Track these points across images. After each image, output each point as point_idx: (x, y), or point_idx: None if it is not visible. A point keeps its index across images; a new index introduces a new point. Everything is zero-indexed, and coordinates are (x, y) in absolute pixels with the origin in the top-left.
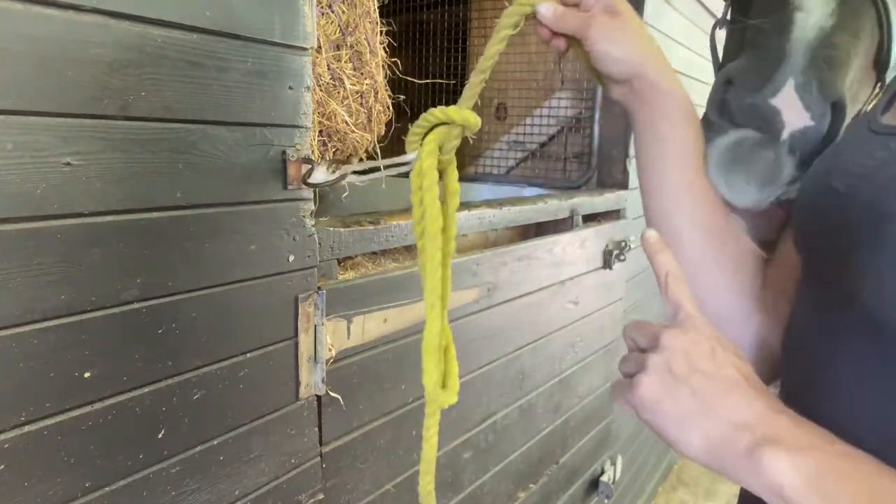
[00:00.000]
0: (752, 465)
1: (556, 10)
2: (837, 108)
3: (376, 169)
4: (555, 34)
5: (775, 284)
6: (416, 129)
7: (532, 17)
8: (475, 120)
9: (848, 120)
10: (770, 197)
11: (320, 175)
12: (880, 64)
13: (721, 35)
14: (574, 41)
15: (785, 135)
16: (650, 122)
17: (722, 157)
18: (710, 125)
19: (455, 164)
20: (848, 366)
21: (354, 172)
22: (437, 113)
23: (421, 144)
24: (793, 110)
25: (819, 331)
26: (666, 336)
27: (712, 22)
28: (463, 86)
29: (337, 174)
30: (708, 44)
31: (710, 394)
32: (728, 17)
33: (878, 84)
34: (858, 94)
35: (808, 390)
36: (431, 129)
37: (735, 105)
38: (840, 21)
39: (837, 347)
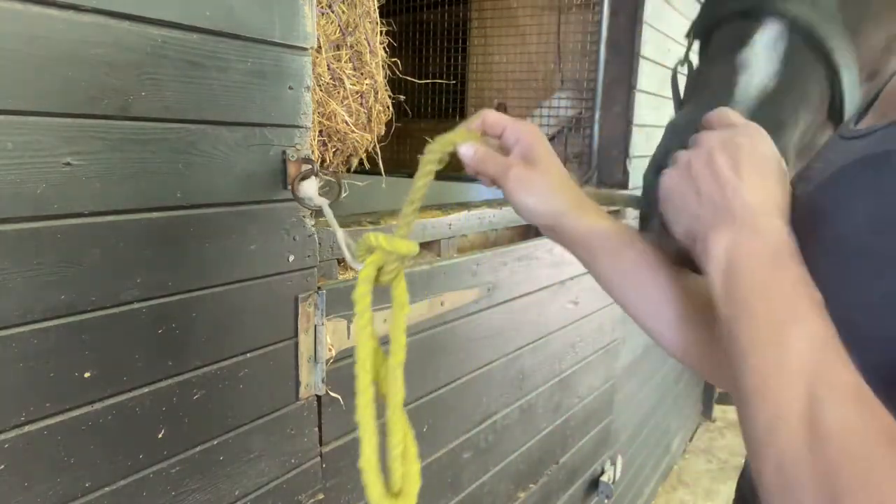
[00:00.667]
0: (704, 250)
1: (475, 153)
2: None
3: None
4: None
5: None
6: (359, 247)
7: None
8: (407, 249)
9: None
10: None
11: (310, 189)
12: (835, 118)
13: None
14: None
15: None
16: (590, 261)
17: None
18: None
19: (402, 280)
20: None
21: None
22: (371, 240)
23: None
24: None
25: None
26: (704, 134)
27: None
28: (463, 86)
29: (319, 201)
30: (671, 78)
31: (712, 197)
32: (685, 58)
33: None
34: (812, 142)
35: None
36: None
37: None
38: (784, 82)
39: None
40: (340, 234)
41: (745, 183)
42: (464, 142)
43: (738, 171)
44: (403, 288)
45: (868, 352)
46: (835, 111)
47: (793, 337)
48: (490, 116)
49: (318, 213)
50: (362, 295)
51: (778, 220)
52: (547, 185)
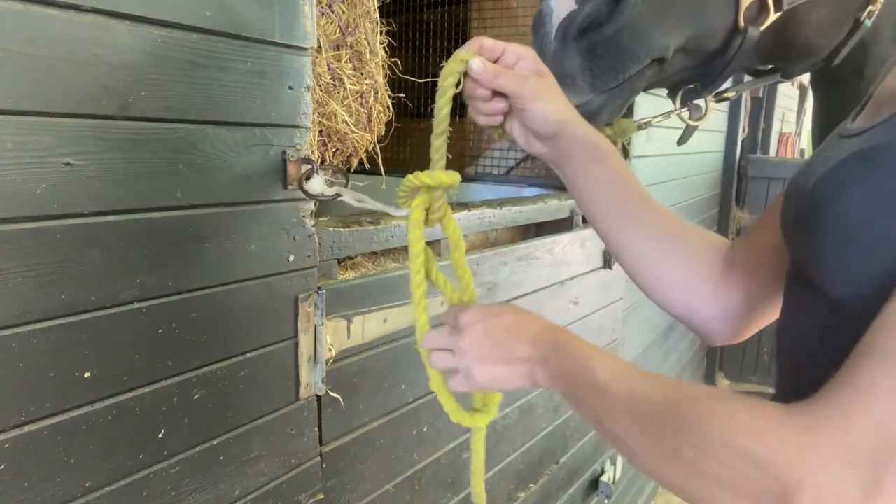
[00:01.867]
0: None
1: (487, 67)
2: None
3: (376, 174)
4: (492, 96)
5: (744, 265)
6: (401, 191)
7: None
8: (450, 180)
9: (668, 17)
10: (581, 88)
11: (317, 185)
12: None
13: None
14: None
15: (553, 29)
16: (581, 170)
17: None
18: None
19: (450, 215)
20: (824, 355)
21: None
22: (413, 180)
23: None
24: (562, 4)
25: (806, 323)
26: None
27: None
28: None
29: (332, 191)
30: None
31: (501, 352)
32: None
33: None
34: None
35: (799, 377)
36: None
37: (534, 16)
38: None
39: (815, 334)
40: (372, 202)
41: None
42: (472, 59)
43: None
44: (455, 225)
45: (858, 326)
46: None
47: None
48: (487, 41)
49: (318, 213)
50: (416, 240)
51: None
52: (558, 94)
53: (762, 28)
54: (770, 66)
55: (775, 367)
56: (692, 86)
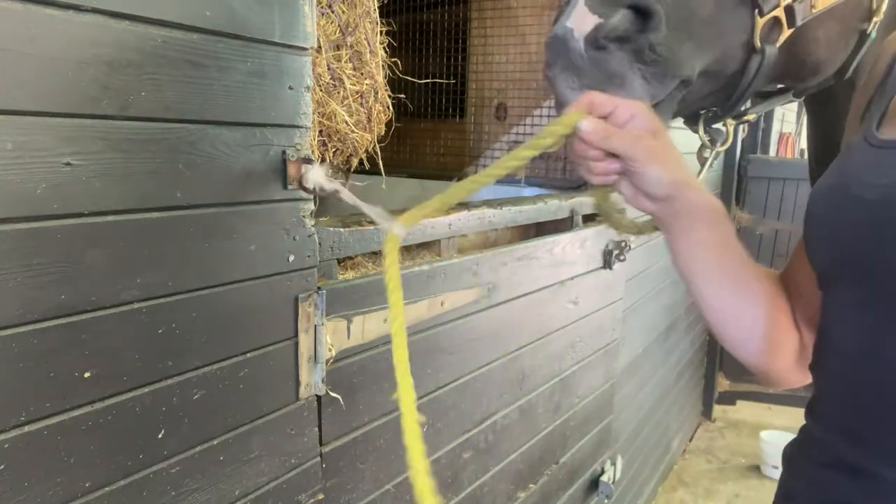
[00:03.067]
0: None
1: (598, 127)
2: (639, 8)
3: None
4: (604, 156)
5: (799, 313)
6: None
7: (571, 137)
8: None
9: (689, 30)
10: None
11: (317, 176)
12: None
13: None
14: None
15: (581, 44)
16: (688, 230)
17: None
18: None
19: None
20: None
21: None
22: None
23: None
24: (582, 20)
25: (869, 331)
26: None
27: None
28: (463, 86)
29: (332, 186)
30: None
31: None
32: None
33: (756, 11)
34: (704, 15)
35: (858, 387)
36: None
37: (546, 43)
38: None
39: (889, 342)
40: (366, 207)
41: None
42: (581, 121)
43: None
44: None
45: None
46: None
47: None
48: (598, 97)
49: (318, 213)
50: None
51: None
52: (674, 155)
53: (777, 46)
54: (780, 86)
55: (838, 397)
56: (711, 112)
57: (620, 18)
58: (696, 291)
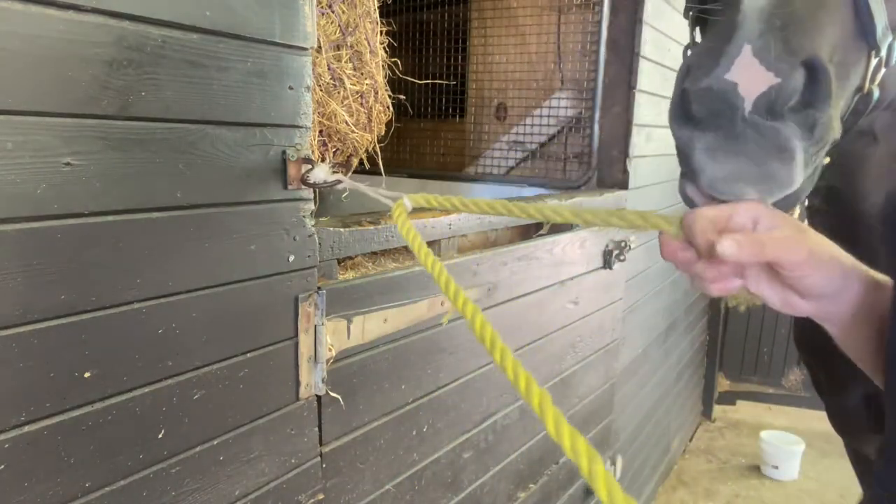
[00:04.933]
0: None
1: (744, 243)
2: (814, 67)
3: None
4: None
5: None
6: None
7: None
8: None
9: (839, 91)
10: (790, 178)
11: (320, 174)
12: (866, 32)
13: None
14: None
15: (748, 105)
16: (862, 322)
17: (708, 170)
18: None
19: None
20: None
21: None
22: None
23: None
24: (752, 76)
25: None
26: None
27: None
28: (463, 86)
29: (334, 177)
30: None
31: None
32: (686, 9)
33: (873, 53)
34: (846, 62)
35: None
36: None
37: (692, 93)
38: None
39: None
40: (370, 189)
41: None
42: (720, 243)
43: None
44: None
45: None
46: (862, 22)
47: None
48: (708, 211)
49: (318, 213)
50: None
51: None
52: (826, 243)
53: (875, 85)
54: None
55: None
56: None
57: (799, 79)
58: (870, 370)
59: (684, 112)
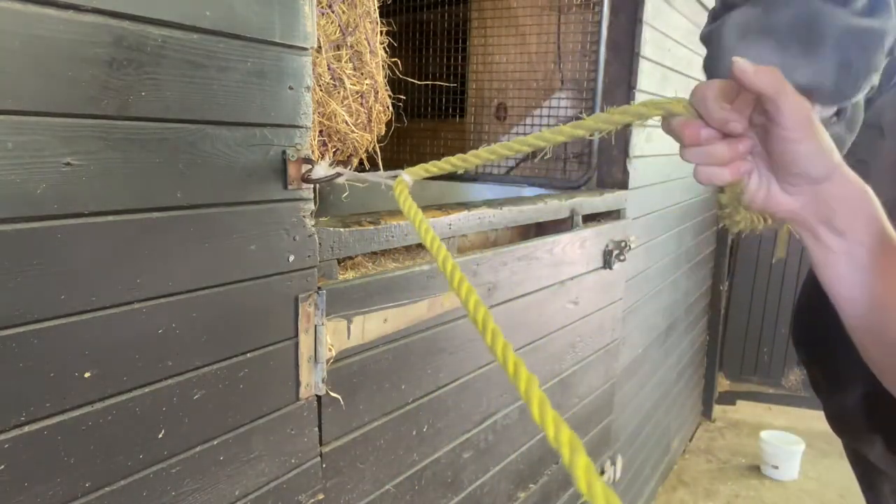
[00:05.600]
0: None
1: (762, 68)
2: None
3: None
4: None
5: None
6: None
7: (677, 120)
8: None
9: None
10: (832, 67)
11: (321, 171)
12: None
13: None
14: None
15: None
16: (846, 230)
17: (746, 33)
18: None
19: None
20: None
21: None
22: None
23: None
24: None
25: None
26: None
27: None
28: (463, 86)
29: (334, 170)
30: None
31: None
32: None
33: None
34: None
35: None
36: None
37: None
38: None
39: None
40: (370, 175)
41: None
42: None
43: None
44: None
45: None
46: None
47: None
48: (719, 81)
49: (318, 213)
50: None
51: None
52: (819, 127)
53: None
54: None
55: None
56: None
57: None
58: (861, 313)
59: (724, 3)
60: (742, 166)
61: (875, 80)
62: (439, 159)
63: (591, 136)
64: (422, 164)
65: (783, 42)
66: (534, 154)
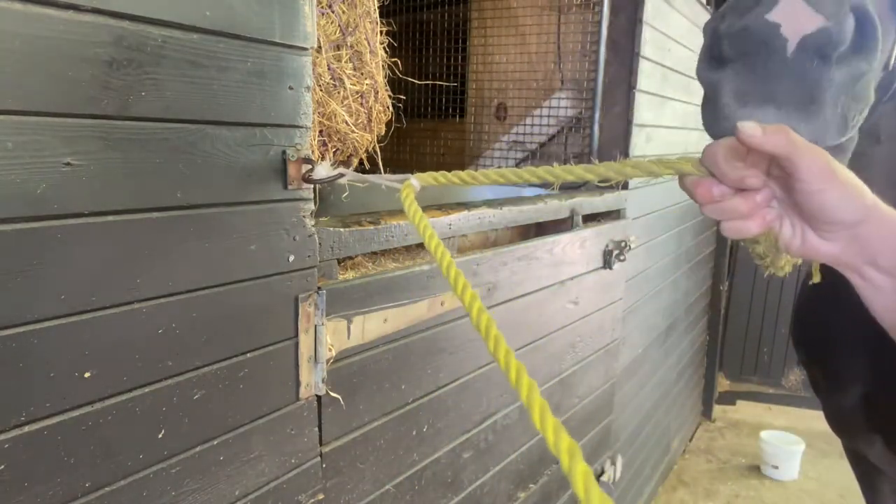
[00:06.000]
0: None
1: (771, 128)
2: (864, 15)
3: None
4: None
5: None
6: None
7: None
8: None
9: (883, 46)
10: (832, 126)
11: (322, 171)
12: None
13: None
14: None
15: (792, 46)
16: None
17: (735, 95)
18: (703, 74)
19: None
20: None
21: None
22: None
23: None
24: (798, 16)
25: None
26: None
27: None
28: (463, 86)
29: (336, 171)
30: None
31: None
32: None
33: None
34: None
35: None
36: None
37: (727, 34)
38: None
39: None
40: (374, 177)
41: None
42: (741, 129)
43: None
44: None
45: None
46: None
47: None
48: (730, 140)
49: (318, 213)
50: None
51: None
52: (849, 174)
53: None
54: None
55: None
56: None
57: (850, 25)
58: None
59: (715, 55)
60: (767, 215)
61: (869, 105)
62: (440, 159)
63: (599, 182)
64: (431, 173)
65: (783, 108)
66: (534, 154)
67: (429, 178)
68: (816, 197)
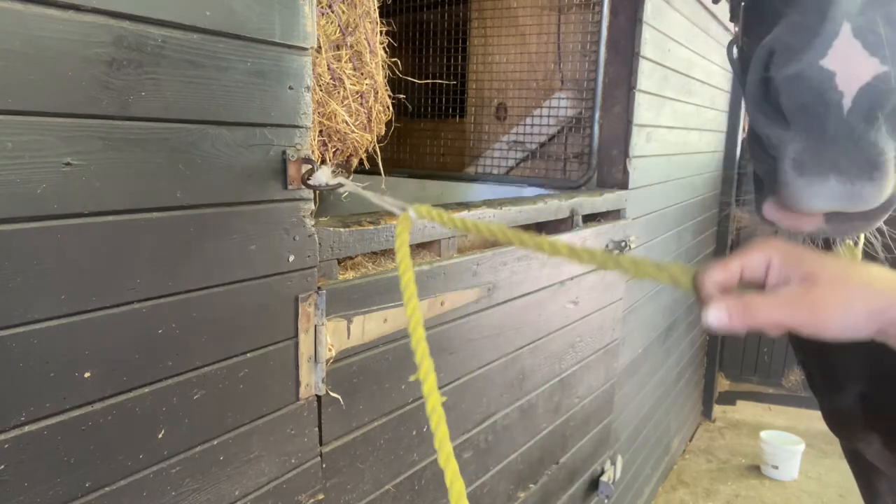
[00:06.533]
0: None
1: (735, 308)
2: None
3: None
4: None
5: None
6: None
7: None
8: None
9: None
10: (886, 185)
11: (322, 177)
12: None
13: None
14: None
15: (847, 102)
16: None
17: (797, 174)
18: (757, 146)
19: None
20: None
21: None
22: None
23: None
24: (853, 62)
25: None
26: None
27: (712, 22)
28: (463, 86)
29: (336, 180)
30: (720, 50)
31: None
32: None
33: None
34: None
35: None
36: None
37: (781, 80)
38: None
39: None
40: (376, 197)
41: None
42: (712, 311)
43: None
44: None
45: None
46: None
47: None
48: (716, 272)
49: (318, 213)
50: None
51: None
52: (858, 283)
53: None
54: None
55: None
56: None
57: None
58: None
59: (770, 104)
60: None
61: None
62: (440, 159)
63: (599, 267)
64: (429, 208)
65: (844, 174)
66: (534, 154)
67: (427, 213)
68: (820, 334)
